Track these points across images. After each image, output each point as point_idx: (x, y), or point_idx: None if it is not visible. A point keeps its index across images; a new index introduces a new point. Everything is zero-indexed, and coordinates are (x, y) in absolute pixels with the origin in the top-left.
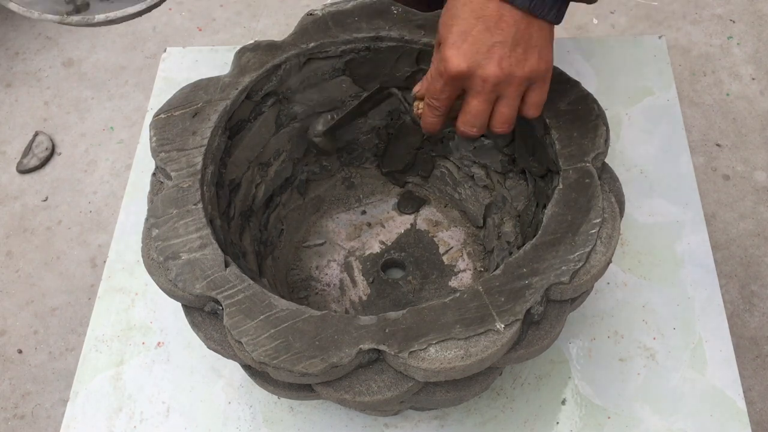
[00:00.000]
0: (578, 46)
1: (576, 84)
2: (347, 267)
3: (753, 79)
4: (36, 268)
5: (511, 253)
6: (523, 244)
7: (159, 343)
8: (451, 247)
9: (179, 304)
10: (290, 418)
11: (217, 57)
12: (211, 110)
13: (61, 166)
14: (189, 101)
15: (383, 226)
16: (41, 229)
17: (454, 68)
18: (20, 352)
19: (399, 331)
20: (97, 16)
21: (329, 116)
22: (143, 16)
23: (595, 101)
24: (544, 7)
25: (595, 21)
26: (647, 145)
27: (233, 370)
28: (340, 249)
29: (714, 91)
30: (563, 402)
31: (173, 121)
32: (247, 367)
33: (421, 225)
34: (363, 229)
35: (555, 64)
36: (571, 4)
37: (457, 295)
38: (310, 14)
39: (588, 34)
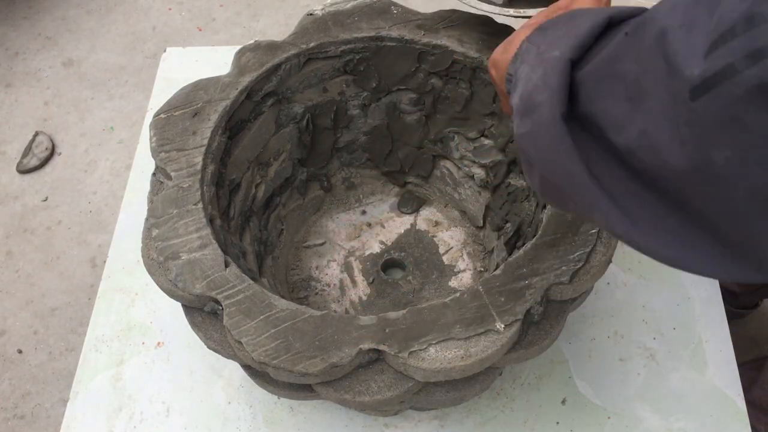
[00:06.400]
0: None
1: None
2: (347, 267)
3: None
4: (36, 268)
5: (511, 253)
6: (523, 244)
7: (159, 343)
8: (451, 247)
9: (179, 304)
10: (290, 418)
11: (217, 57)
12: (211, 110)
13: (61, 166)
14: (189, 101)
15: (383, 226)
16: (41, 229)
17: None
18: (20, 352)
19: (399, 331)
20: (525, 10)
21: None
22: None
23: None
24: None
25: None
26: None
27: (233, 370)
28: (340, 249)
29: None
30: (563, 402)
31: (173, 121)
32: (247, 367)
33: (421, 225)
34: (363, 229)
35: None
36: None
37: (457, 295)
38: (310, 14)
39: None
